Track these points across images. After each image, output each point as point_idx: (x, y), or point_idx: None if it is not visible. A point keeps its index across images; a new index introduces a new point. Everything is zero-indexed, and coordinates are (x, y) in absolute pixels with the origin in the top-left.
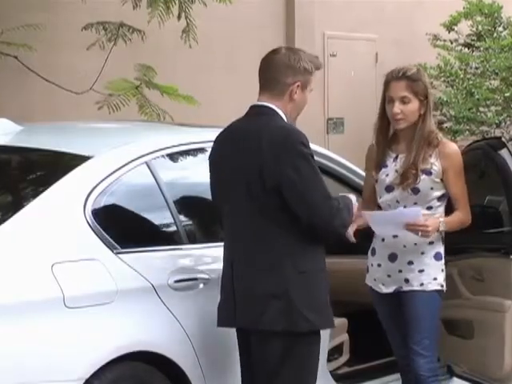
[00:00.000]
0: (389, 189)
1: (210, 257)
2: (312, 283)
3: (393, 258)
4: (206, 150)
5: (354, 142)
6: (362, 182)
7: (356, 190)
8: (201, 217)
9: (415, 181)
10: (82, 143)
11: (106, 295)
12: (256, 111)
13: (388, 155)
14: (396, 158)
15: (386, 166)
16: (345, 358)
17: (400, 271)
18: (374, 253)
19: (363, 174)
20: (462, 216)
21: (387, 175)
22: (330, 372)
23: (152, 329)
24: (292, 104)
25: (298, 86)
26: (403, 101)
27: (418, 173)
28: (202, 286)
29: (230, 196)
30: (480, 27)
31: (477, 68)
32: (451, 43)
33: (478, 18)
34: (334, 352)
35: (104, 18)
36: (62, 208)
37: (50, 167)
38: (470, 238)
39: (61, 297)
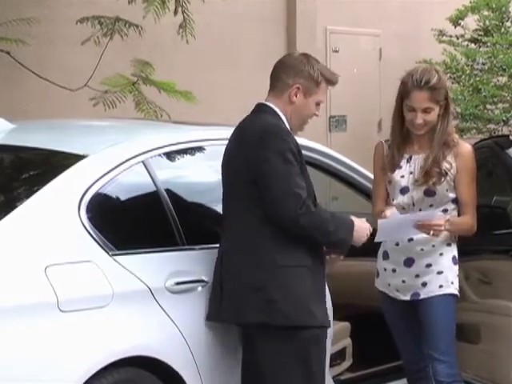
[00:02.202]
0: (404, 191)
1: (209, 259)
2: (293, 279)
3: (409, 262)
4: (205, 149)
5: (357, 140)
6: (364, 182)
7: (359, 190)
8: (199, 217)
9: (440, 179)
10: (76, 141)
11: (102, 298)
12: (255, 109)
13: (401, 156)
14: (410, 159)
15: (400, 168)
16: (348, 363)
17: (417, 276)
18: (386, 257)
19: (366, 173)
20: (469, 221)
21: (402, 177)
22: (333, 378)
23: (148, 333)
24: (292, 107)
25: (297, 88)
26: (426, 111)
27: (443, 171)
28: (200, 288)
29: (224, 191)
30: (487, 22)
31: (484, 64)
32: (457, 38)
33: (485, 13)
34: (337, 357)
35: (99, 12)
36: (55, 209)
37: (44, 166)
38: (476, 240)
39: (55, 300)
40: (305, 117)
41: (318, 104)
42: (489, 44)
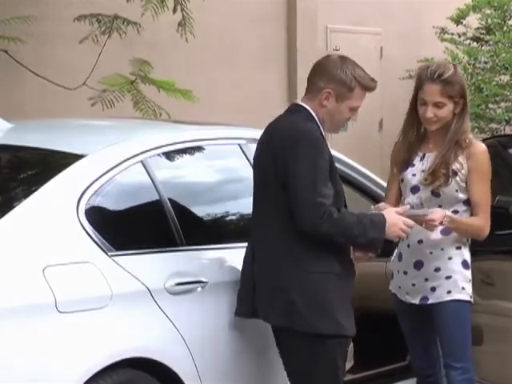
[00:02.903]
0: (414, 190)
1: (209, 259)
2: (318, 285)
3: (418, 265)
4: (204, 149)
5: (359, 140)
6: (366, 182)
7: (361, 190)
8: (199, 218)
9: (446, 181)
10: (74, 141)
11: (100, 299)
12: (290, 109)
13: (415, 154)
14: (423, 156)
15: (413, 166)
16: (349, 364)
17: (426, 279)
18: (400, 258)
19: (369, 174)
20: (477, 222)
21: (414, 175)
22: None
23: (148, 334)
24: (324, 110)
25: (328, 92)
26: (437, 105)
27: (449, 172)
28: (200, 289)
29: (254, 189)
30: (489, 20)
31: (486, 63)
32: (459, 37)
33: (487, 11)
34: None
35: (97, 10)
36: (53, 209)
37: (41, 166)
38: (478, 240)
39: (53, 301)
40: (338, 121)
41: (353, 109)
42: (491, 42)
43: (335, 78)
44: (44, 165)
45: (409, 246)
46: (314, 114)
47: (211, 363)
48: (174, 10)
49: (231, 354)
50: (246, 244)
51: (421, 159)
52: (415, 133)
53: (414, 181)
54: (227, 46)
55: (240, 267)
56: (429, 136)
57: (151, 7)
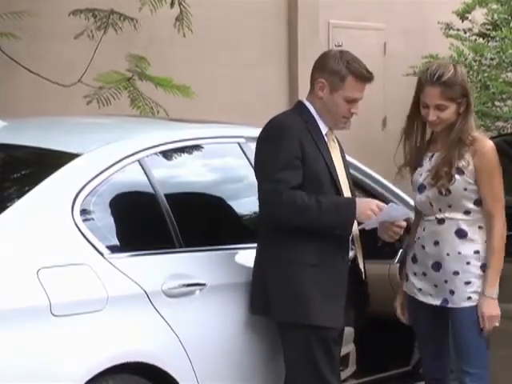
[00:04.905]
0: (421, 189)
1: (208, 261)
2: (291, 275)
3: (437, 267)
4: (203, 147)
5: (361, 138)
6: (368, 182)
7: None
8: (197, 218)
9: (450, 180)
10: (69, 140)
11: (96, 302)
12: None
13: (425, 155)
14: (431, 156)
15: (421, 166)
16: (351, 369)
17: (446, 281)
18: (415, 260)
19: (372, 173)
20: (496, 231)
21: (421, 175)
22: None
23: (145, 338)
24: (321, 103)
25: (322, 83)
26: (439, 108)
27: (452, 171)
28: (198, 292)
29: None
30: (495, 16)
31: (492, 59)
32: (465, 33)
33: (494, 6)
34: (340, 363)
35: (93, 4)
36: (48, 209)
37: (36, 166)
38: None
39: (47, 304)
40: (335, 114)
41: (349, 101)
42: (497, 38)
43: (328, 67)
44: (38, 164)
45: (424, 247)
46: (311, 108)
47: (210, 368)
48: (172, 4)
49: (231, 358)
50: (246, 245)
51: (429, 159)
52: (419, 136)
53: (421, 180)
54: (226, 42)
55: (240, 269)
56: (437, 136)
57: (149, 1)
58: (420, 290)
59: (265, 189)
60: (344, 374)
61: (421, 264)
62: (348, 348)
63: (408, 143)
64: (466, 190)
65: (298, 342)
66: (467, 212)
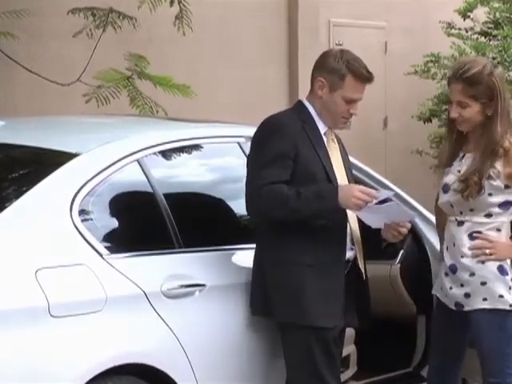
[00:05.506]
0: (445, 189)
1: (208, 261)
2: (289, 275)
3: (454, 268)
4: (202, 147)
5: (362, 137)
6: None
7: None
8: (197, 219)
9: (479, 191)
10: (68, 139)
11: (95, 303)
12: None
13: (457, 155)
14: (462, 157)
15: (452, 165)
16: (352, 371)
17: (462, 285)
18: (442, 259)
19: (372, 173)
20: None
21: (448, 175)
22: None
23: (144, 339)
24: (320, 102)
25: (321, 82)
26: (461, 105)
27: (483, 182)
28: (197, 293)
29: None
30: (498, 14)
31: (494, 58)
32: (466, 31)
33: (496, 5)
34: (341, 365)
35: (92, 3)
36: (46, 209)
37: (34, 165)
38: None
39: (45, 305)
40: (334, 114)
41: (348, 101)
42: (499, 37)
43: (327, 66)
44: (36, 164)
45: (447, 248)
46: (310, 108)
47: (209, 369)
48: (171, 3)
49: (230, 359)
50: (245, 246)
51: (460, 159)
52: (455, 134)
53: (447, 179)
54: (226, 41)
55: (240, 269)
56: (469, 136)
57: (148, 0)
58: (441, 289)
59: (247, 185)
60: (345, 376)
61: (444, 264)
62: (349, 349)
63: (447, 143)
64: (490, 194)
65: (298, 343)
66: (488, 215)
